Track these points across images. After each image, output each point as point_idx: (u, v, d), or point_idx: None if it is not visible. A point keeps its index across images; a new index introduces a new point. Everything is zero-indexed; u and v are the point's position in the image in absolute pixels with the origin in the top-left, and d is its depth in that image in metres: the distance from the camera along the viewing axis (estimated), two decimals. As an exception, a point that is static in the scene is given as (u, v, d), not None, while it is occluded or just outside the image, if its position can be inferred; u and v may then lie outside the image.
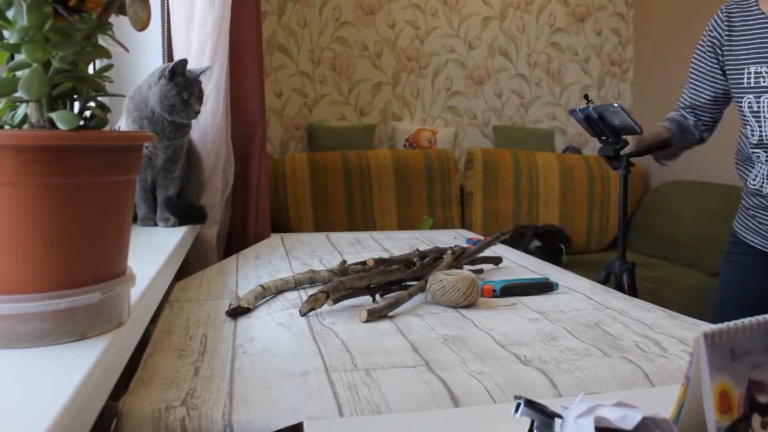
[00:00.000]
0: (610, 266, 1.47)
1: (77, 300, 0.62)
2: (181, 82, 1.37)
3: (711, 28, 1.52)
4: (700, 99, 1.56)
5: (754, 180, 1.47)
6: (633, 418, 0.45)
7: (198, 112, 1.42)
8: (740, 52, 1.44)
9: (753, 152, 1.46)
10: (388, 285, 1.14)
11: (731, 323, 0.49)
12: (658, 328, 0.96)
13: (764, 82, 1.40)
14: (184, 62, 1.37)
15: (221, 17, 1.67)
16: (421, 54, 3.56)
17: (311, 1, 3.40)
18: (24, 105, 0.62)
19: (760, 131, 1.42)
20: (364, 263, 1.24)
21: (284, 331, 0.94)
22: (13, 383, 0.55)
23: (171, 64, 1.36)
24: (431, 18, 3.55)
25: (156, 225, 1.48)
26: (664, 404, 0.54)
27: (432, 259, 1.26)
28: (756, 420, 0.49)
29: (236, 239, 1.86)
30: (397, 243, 1.71)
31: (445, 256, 1.29)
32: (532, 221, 3.26)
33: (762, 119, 1.41)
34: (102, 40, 0.69)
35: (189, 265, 1.59)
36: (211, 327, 0.97)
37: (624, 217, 1.44)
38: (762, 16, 1.41)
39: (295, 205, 3.05)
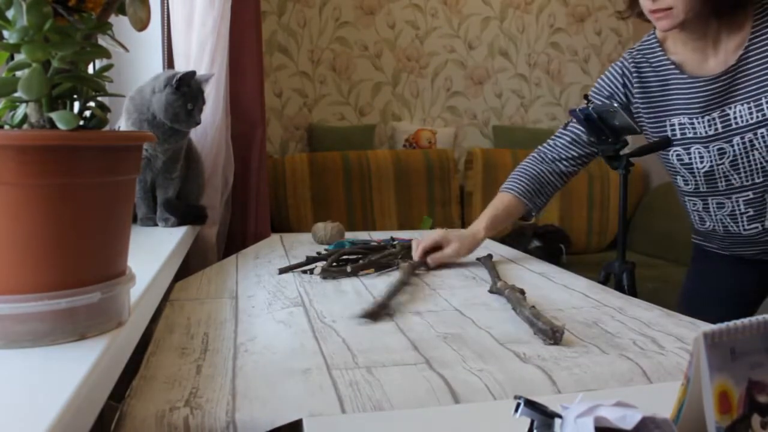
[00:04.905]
0: (610, 266, 1.47)
1: (77, 300, 0.62)
2: (187, 92, 1.38)
3: (620, 72, 1.44)
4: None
5: (702, 224, 1.48)
6: (633, 418, 0.45)
7: (199, 123, 1.44)
8: (659, 105, 1.38)
9: (689, 200, 1.46)
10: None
11: (731, 323, 0.49)
12: (656, 326, 0.96)
13: (689, 133, 1.35)
14: (192, 74, 1.39)
15: (221, 17, 1.67)
16: (421, 54, 3.56)
17: (311, 1, 3.40)
18: (24, 105, 0.63)
19: (695, 180, 1.40)
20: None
21: (285, 329, 0.94)
22: (13, 383, 0.55)
23: (180, 74, 1.37)
24: (431, 18, 3.55)
25: (156, 225, 1.48)
26: (661, 401, 0.55)
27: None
28: (756, 420, 0.49)
29: (236, 239, 1.86)
30: (397, 243, 1.71)
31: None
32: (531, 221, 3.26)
33: (695, 170, 1.38)
34: (102, 40, 0.69)
35: (189, 265, 1.59)
36: (212, 326, 0.97)
37: (624, 217, 1.44)
38: (673, 67, 1.36)
39: (295, 205, 3.05)
